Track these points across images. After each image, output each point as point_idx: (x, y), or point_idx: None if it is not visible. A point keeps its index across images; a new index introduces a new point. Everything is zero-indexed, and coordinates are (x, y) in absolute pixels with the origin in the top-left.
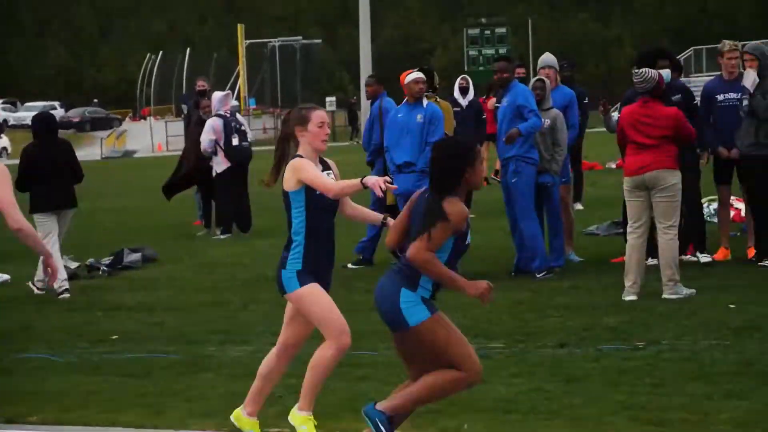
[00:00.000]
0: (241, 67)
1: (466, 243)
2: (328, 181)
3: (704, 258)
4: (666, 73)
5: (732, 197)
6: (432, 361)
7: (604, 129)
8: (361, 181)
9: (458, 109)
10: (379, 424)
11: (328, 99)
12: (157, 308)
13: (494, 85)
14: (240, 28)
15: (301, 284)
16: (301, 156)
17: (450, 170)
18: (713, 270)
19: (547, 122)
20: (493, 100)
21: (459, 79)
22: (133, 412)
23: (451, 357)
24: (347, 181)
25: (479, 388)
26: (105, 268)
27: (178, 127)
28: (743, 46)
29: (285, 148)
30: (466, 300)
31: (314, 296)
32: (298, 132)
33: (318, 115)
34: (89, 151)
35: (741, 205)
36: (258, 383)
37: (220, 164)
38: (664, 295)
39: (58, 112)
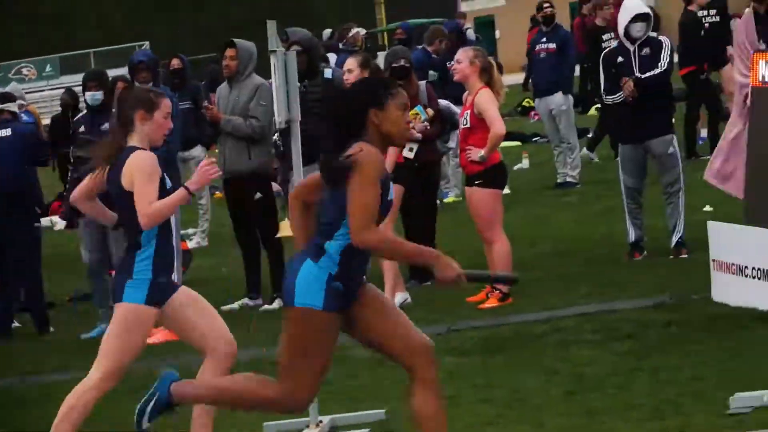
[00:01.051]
0: None
1: (389, 199)
2: (153, 200)
3: None
4: None
5: None
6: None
7: None
8: (185, 186)
9: None
10: (151, 405)
11: None
12: None
13: None
14: None
15: (151, 296)
16: (140, 148)
17: (349, 112)
18: None
19: None
20: None
21: None
22: None
23: (287, 364)
24: (168, 199)
25: None
26: None
27: None
28: None
29: (123, 137)
30: None
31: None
32: (139, 118)
33: (167, 104)
34: None
35: None
36: None
37: None
38: None
39: None
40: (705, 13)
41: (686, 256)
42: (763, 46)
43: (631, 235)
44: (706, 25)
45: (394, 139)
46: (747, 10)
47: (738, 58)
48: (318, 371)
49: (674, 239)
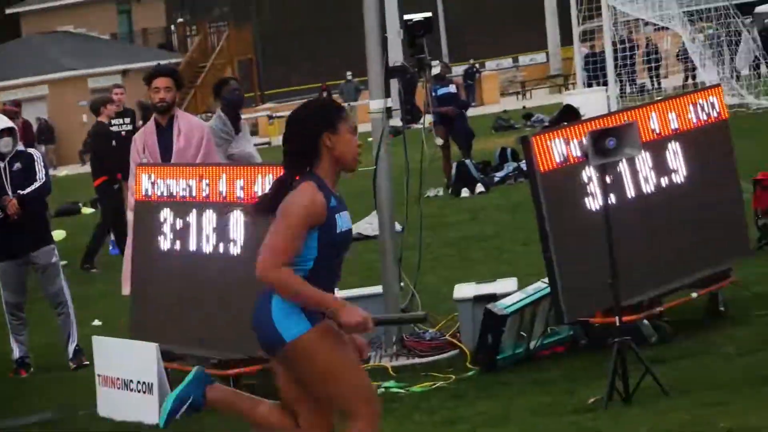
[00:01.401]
0: None
1: (341, 231)
2: None
3: None
4: None
5: None
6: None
7: None
8: None
9: None
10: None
11: None
12: None
13: None
14: None
15: None
16: None
17: (302, 137)
18: None
19: None
20: None
21: None
22: None
23: (333, 390)
24: None
25: None
26: None
27: None
28: None
29: None
30: None
31: None
32: None
33: None
34: None
35: None
36: None
37: None
38: None
39: None
40: (120, 121)
41: (88, 363)
42: (145, 160)
43: (16, 352)
44: (123, 133)
45: (346, 162)
46: (149, 123)
47: (132, 169)
48: (364, 379)
49: (71, 348)
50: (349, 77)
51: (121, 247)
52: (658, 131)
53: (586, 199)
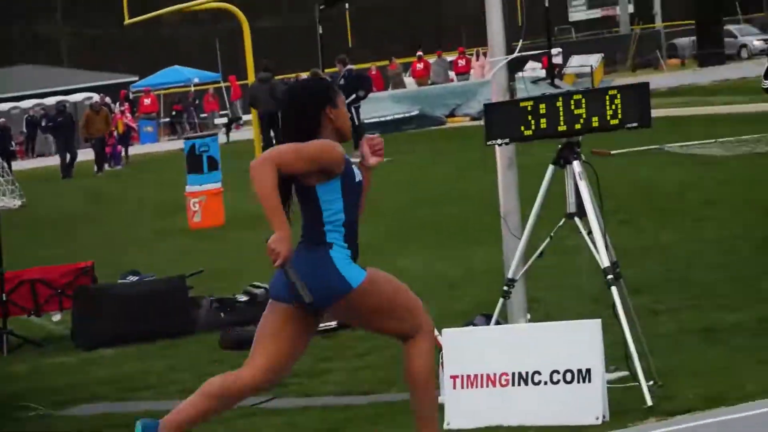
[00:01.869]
0: None
1: (358, 180)
2: None
3: None
4: None
5: None
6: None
7: None
8: None
9: None
10: None
11: None
12: None
13: None
14: None
15: None
16: None
17: (307, 112)
18: None
19: None
20: None
21: None
22: None
23: (397, 314)
24: None
25: None
26: None
27: None
28: None
29: None
30: None
31: None
32: None
33: None
34: None
35: None
36: None
37: None
38: None
39: None
40: None
41: None
42: None
43: None
44: None
45: (344, 132)
46: None
47: None
48: (413, 297)
49: None
50: None
51: None
52: None
53: None
